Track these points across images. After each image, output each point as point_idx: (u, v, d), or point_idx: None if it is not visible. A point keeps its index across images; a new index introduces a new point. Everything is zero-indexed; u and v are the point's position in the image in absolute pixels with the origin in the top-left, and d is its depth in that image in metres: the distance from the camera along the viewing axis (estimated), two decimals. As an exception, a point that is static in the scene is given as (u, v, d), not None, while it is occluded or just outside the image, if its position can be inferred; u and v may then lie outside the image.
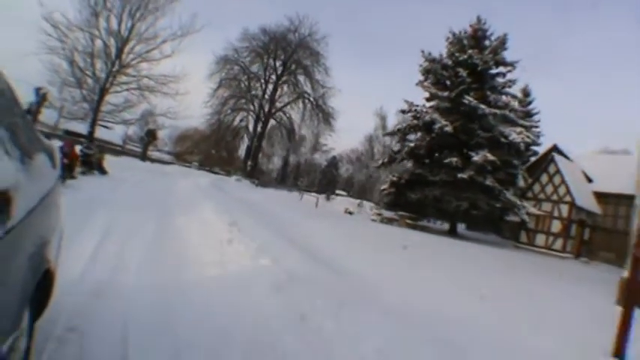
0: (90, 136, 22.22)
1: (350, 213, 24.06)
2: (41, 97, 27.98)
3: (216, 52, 42.88)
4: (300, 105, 44.78)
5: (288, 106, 45.82)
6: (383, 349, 3.55)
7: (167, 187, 17.17)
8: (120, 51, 35.79)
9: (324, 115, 44.23)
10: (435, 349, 3.92)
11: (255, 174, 41.82)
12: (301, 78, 44.12)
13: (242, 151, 48.35)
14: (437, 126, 21.29)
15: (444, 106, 22.70)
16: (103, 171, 17.43)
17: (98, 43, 35.38)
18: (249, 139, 45.40)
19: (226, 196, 17.55)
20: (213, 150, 46.67)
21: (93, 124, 35.04)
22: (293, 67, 43.62)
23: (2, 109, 1.82)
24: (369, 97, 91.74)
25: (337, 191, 42.21)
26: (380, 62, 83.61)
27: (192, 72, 68.31)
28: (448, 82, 23.61)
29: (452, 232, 23.39)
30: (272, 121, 46.08)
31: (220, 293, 4.47)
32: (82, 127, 35.14)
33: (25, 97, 32.85)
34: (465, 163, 20.67)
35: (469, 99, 21.20)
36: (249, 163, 43.01)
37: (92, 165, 16.88)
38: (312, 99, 43.53)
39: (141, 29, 35.99)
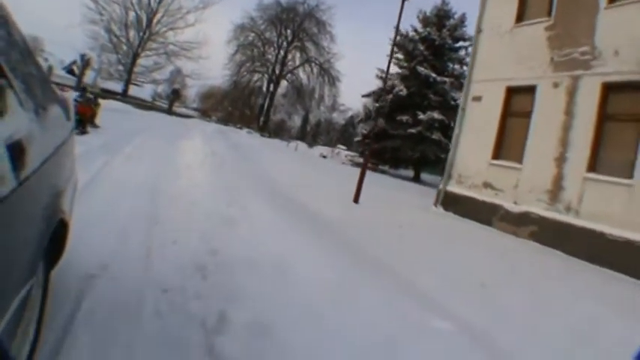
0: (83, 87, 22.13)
1: (324, 157, 29.81)
2: (85, 62, 34.21)
3: (234, 20, 48.72)
4: (308, 68, 50.17)
5: (300, 69, 51.25)
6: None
7: (180, 132, 22.75)
8: (150, 21, 42.19)
9: (329, 78, 49.67)
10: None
11: (266, 128, 47.68)
12: (309, 44, 49.35)
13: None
14: (395, 90, 26.76)
15: (404, 74, 28.02)
16: (93, 125, 14.82)
17: (131, 14, 41.88)
18: (263, 99, 51.18)
19: (226, 140, 23.29)
20: (230, 107, 52.45)
21: (127, 84, 41.74)
22: (302, 34, 48.88)
23: (16, 61, 1.80)
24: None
25: (339, 145, 47.55)
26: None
27: (214, 38, 74.83)
28: (411, 54, 28.85)
29: (415, 179, 28.94)
30: (284, 82, 51.71)
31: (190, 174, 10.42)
32: (117, 86, 41.54)
33: (70, 61, 39.32)
34: (416, 121, 26.18)
35: (421, 69, 26.53)
36: (261, 118, 48.94)
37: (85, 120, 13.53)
38: (318, 63, 48.78)
39: (168, 2, 42.16)
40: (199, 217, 5.42)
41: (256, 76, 51.60)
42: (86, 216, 3.66)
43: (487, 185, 11.64)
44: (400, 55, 29.38)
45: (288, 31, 49.12)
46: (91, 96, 16.83)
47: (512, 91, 11.78)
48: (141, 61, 43.63)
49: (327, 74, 49.54)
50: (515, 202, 10.68)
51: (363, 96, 31.99)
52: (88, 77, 34.87)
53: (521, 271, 7.04)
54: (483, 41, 13.27)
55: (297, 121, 61.80)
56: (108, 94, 34.00)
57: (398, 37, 30.01)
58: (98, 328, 2.45)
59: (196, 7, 42.24)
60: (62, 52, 36.06)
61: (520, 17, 12.22)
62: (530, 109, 11.01)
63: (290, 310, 3.19)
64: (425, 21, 29.18)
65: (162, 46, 43.48)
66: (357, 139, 30.75)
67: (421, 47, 27.41)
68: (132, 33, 42.58)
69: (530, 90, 11.15)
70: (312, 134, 58.94)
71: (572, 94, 10.10)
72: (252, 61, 49.90)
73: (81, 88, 22.13)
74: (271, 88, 50.66)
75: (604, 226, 8.59)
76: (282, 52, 49.98)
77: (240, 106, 53.18)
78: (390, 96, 27.02)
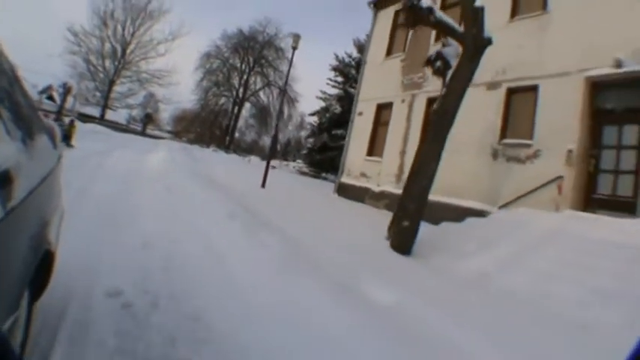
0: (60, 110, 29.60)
1: (273, 167, 34.19)
2: (66, 89, 38.24)
3: (201, 49, 53.50)
4: (268, 91, 54.85)
5: (261, 92, 55.89)
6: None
7: (150, 148, 26.97)
8: (124, 52, 46.82)
9: (288, 99, 54.42)
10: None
11: (231, 147, 52.04)
12: (268, 70, 54.04)
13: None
14: (331, 109, 31.49)
15: (340, 94, 32.70)
16: (68, 143, 16.47)
17: (107, 45, 46.36)
18: (228, 120, 55.64)
19: (188, 154, 27.50)
20: (198, 129, 56.71)
21: (104, 108, 46.03)
22: (262, 61, 53.63)
23: (4, 90, 1.80)
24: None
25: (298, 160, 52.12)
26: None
27: (184, 64, 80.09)
28: (347, 77, 33.56)
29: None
30: (248, 105, 56.30)
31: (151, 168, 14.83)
32: (95, 111, 45.61)
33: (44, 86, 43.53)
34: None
35: (351, 90, 31.31)
36: (227, 138, 53.39)
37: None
38: (277, 86, 53.48)
39: (140, 34, 46.87)
40: (153, 187, 9.83)
41: (222, 99, 56.11)
42: (99, 173, 8.10)
43: (363, 175, 16.21)
44: (339, 78, 34.08)
45: (250, 58, 53.83)
46: (67, 120, 20.50)
47: (380, 107, 16.45)
48: (116, 87, 48.09)
49: (287, 96, 54.34)
50: (378, 185, 15.21)
51: (310, 114, 36.59)
52: (68, 103, 38.90)
53: (352, 218, 11.57)
54: (366, 71, 18.02)
55: (266, 140, 66.16)
56: (87, 118, 37.95)
57: (337, 63, 35.22)
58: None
59: (166, 38, 47.08)
60: (41, 80, 39.96)
61: (389, 52, 16.97)
62: (389, 119, 15.65)
63: (194, 227, 7.64)
64: (359, 47, 33.98)
65: (136, 74, 48.02)
66: (303, 151, 35.47)
67: (353, 71, 32.14)
68: (107, 62, 47.01)
69: (389, 105, 15.82)
70: (282, 152, 63.13)
71: (411, 106, 14.76)
72: (218, 85, 54.44)
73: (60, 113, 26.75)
74: (236, 110, 55.18)
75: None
76: (244, 77, 54.64)
77: (208, 128, 57.36)
78: (328, 114, 31.69)
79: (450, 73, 8.86)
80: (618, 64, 8.97)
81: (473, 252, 7.00)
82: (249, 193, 12.50)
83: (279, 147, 68.62)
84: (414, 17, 8.26)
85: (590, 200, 9.19)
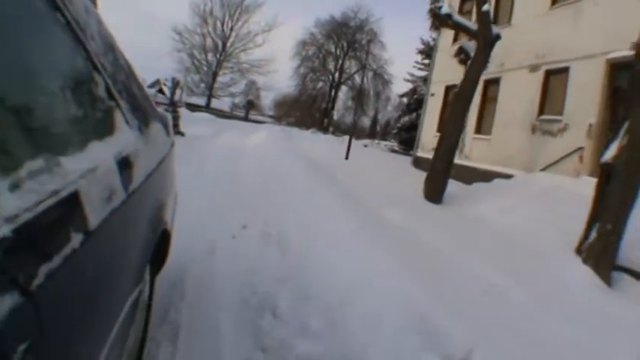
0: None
1: (365, 146, 36.58)
2: (175, 84, 43.10)
3: (296, 37, 57.16)
4: (362, 74, 57.24)
5: (356, 75, 58.46)
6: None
7: (252, 131, 30.42)
8: (224, 45, 51.55)
9: (382, 82, 56.63)
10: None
11: (330, 129, 55.19)
12: (362, 53, 56.35)
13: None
14: (419, 90, 33.39)
15: (426, 76, 34.33)
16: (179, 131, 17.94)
17: (208, 40, 51.20)
18: (325, 103, 58.82)
19: (286, 135, 30.60)
20: (298, 113, 60.37)
21: (209, 98, 51.06)
22: (355, 45, 56.10)
23: (122, 82, 1.92)
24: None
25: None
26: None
27: (282, 51, 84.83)
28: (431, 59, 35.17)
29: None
30: (344, 87, 59.17)
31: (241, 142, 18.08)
32: (201, 100, 50.63)
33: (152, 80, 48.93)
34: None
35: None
36: (325, 120, 56.64)
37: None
38: (372, 69, 55.75)
39: (238, 28, 51.20)
40: (256, 153, 12.84)
41: (320, 84, 59.49)
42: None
43: (433, 149, 18.34)
44: (426, 60, 35.77)
45: (344, 43, 56.50)
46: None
47: (448, 88, 18.50)
48: (219, 78, 53.11)
49: (381, 78, 56.53)
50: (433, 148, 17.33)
51: (400, 96, 38.61)
52: (177, 95, 43.66)
53: (409, 181, 13.93)
54: (437, 55, 20.06)
55: (365, 122, 68.75)
56: (194, 107, 42.50)
57: (422, 46, 36.91)
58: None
59: (263, 29, 51.04)
60: (151, 76, 44.97)
61: (455, 40, 18.92)
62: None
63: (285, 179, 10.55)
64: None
65: (236, 64, 52.78)
66: (394, 131, 37.71)
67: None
68: (210, 56, 52.08)
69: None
70: (382, 132, 65.28)
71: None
72: (314, 71, 57.82)
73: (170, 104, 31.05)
74: (333, 94, 58.26)
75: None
76: (340, 61, 57.47)
77: (308, 111, 60.96)
78: (415, 96, 33.64)
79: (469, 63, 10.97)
80: (634, 47, 10.61)
81: (485, 201, 9.24)
82: (332, 163, 15.18)
83: (378, 127, 71.39)
84: (438, 21, 10.49)
85: (605, 165, 10.96)
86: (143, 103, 2.29)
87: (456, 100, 10.88)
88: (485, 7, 9.92)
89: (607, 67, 11.18)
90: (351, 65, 58.22)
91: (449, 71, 18.47)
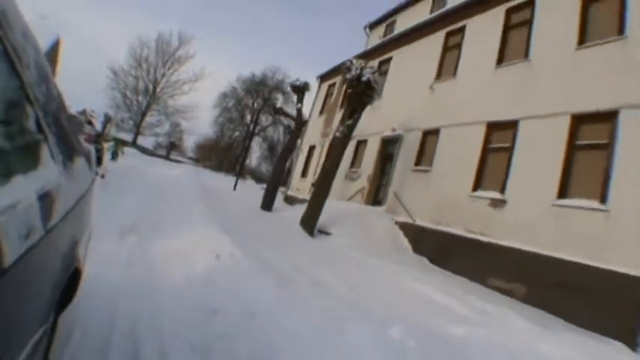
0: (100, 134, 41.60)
1: (262, 187, 43.42)
2: (108, 119, 48.46)
3: (219, 89, 64.53)
4: (275, 128, 65.12)
5: (269, 128, 66.03)
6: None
7: (172, 169, 36.70)
8: (154, 89, 57.94)
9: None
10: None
11: (241, 173, 61.81)
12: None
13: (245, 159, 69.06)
14: (309, 145, 41.03)
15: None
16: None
17: (141, 83, 57.48)
18: (239, 151, 65.83)
19: (195, 174, 37.00)
20: (215, 157, 66.79)
21: (135, 135, 56.90)
22: (270, 102, 63.96)
23: (52, 114, 1.85)
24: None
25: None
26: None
27: (206, 99, 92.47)
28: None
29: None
30: (257, 138, 66.48)
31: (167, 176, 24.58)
32: (128, 136, 56.09)
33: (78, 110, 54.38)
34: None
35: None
36: (237, 165, 63.49)
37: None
38: (283, 124, 63.47)
39: (168, 75, 58.09)
40: (166, 181, 19.42)
41: (236, 133, 66.42)
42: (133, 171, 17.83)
43: (297, 189, 25.64)
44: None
45: (260, 99, 64.30)
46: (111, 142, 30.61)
47: (311, 147, 26.00)
48: (147, 118, 59.12)
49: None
50: (302, 195, 24.62)
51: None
52: (108, 129, 48.93)
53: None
54: (310, 123, 27.68)
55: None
56: (122, 142, 47.68)
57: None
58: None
59: (190, 79, 58.28)
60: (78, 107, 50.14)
61: (321, 112, 26.64)
62: (317, 157, 25.18)
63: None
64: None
65: (163, 108, 59.22)
66: (289, 177, 45.31)
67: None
68: (140, 97, 58.18)
69: (313, 148, 25.38)
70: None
71: (323, 147, 24.24)
72: (232, 121, 64.82)
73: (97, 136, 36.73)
74: (247, 143, 65.41)
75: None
76: (255, 115, 65.00)
77: (224, 156, 67.48)
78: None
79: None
80: (393, 130, 18.39)
81: (297, 210, 16.36)
82: (220, 192, 21.85)
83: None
84: (274, 111, 18.03)
85: (375, 200, 18.47)
86: (70, 136, 2.29)
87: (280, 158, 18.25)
88: (298, 106, 17.42)
89: (380, 141, 18.87)
90: (267, 119, 65.85)
91: (313, 135, 26.09)
